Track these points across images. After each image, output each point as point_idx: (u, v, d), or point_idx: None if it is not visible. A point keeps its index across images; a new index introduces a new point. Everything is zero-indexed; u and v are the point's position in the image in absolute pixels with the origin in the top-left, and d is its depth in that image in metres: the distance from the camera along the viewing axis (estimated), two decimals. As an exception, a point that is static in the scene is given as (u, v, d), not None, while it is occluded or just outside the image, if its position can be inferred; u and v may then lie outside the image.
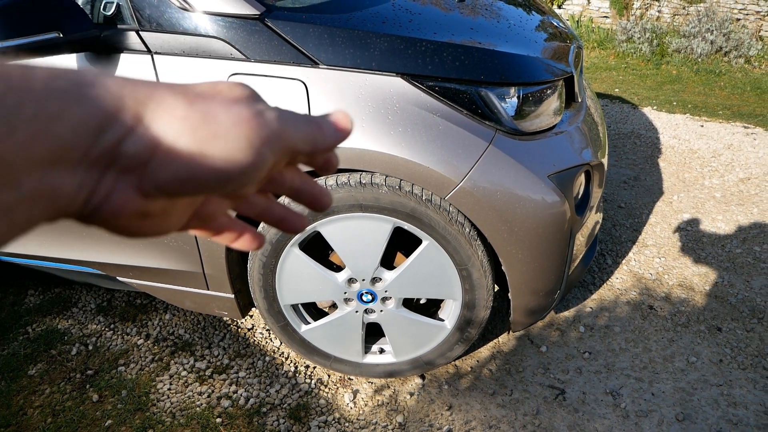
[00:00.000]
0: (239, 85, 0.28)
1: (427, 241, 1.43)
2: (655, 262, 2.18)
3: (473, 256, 1.42)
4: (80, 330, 2.00)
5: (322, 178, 1.41)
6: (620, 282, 2.08)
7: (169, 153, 0.24)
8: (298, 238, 1.47)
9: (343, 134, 0.32)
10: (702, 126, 3.62)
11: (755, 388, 1.61)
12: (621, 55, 5.97)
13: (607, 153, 1.73)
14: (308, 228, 1.45)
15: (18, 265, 1.91)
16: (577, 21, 6.90)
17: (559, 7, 7.09)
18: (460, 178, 1.31)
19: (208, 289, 1.67)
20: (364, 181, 1.37)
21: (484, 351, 1.80)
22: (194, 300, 1.73)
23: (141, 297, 2.15)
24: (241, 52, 1.32)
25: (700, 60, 5.63)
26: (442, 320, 1.59)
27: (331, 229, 1.45)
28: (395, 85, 1.31)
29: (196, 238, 1.53)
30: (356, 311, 1.58)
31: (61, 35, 1.24)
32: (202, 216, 0.31)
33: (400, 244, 1.56)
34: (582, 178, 1.56)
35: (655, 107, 4.08)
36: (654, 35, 5.99)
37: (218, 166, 0.25)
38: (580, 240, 1.58)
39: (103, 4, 1.36)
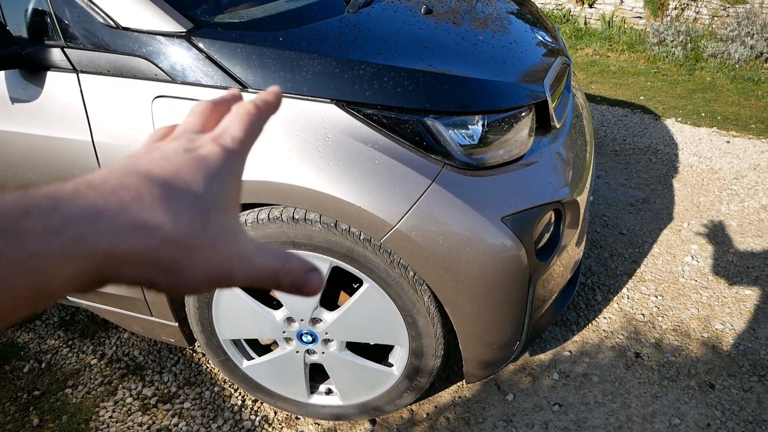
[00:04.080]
0: (197, 211, 0.26)
1: (368, 284, 1.29)
2: (650, 301, 1.97)
3: (418, 303, 1.28)
4: (38, 345, 1.95)
5: (255, 210, 1.29)
6: (608, 323, 1.89)
7: None
8: (232, 272, 1.36)
9: (305, 292, 0.31)
10: (728, 142, 3.33)
11: (743, 464, 1.41)
12: (652, 59, 5.62)
13: (588, 188, 1.55)
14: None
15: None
16: (609, 21, 6.56)
17: (591, 6, 6.76)
18: (395, 220, 1.17)
19: (152, 316, 1.59)
20: (297, 217, 1.24)
21: (445, 395, 1.66)
22: (141, 325, 1.65)
23: (103, 312, 2.09)
24: (166, 72, 1.21)
25: (737, 66, 5.25)
26: (392, 365, 1.46)
27: (264, 265, 1.33)
28: (328, 112, 1.17)
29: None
30: (297, 351, 1.46)
31: (-27, 53, 1.16)
32: None
33: (347, 283, 1.43)
34: (550, 217, 1.39)
35: (679, 119, 3.79)
36: (688, 38, 5.62)
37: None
38: (546, 286, 1.41)
39: (27, 18, 1.28)
